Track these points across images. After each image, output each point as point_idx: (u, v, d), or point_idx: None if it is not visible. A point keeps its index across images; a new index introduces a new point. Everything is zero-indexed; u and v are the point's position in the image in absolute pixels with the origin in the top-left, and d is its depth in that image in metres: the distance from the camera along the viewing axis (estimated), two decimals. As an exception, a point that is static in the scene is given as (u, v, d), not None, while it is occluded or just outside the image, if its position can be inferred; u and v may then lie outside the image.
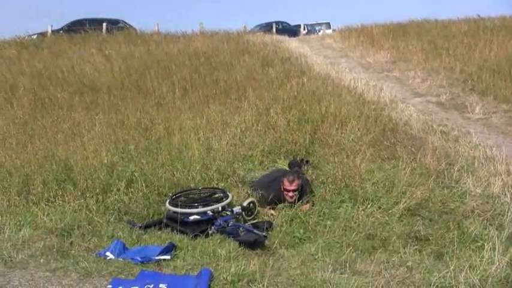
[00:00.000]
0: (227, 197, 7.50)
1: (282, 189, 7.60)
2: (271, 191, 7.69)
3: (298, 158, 8.89)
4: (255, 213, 7.41)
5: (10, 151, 9.64)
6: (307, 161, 8.77)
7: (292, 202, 7.56)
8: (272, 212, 7.41)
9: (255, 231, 6.50)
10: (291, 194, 7.52)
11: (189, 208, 7.16)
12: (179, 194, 7.67)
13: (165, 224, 7.03)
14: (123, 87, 14.33)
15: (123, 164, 8.65)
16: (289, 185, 7.51)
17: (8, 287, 5.43)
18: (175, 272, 5.69)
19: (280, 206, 7.54)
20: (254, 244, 6.24)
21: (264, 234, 6.42)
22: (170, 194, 7.76)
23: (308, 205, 7.44)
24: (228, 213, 7.17)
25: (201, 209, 7.14)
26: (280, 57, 18.16)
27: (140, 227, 7.03)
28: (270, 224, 6.97)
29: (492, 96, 13.02)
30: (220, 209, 7.19)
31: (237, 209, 7.18)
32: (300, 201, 7.50)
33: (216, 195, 7.69)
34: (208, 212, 7.09)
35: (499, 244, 5.77)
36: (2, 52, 21.67)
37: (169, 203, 7.36)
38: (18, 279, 5.62)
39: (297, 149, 9.20)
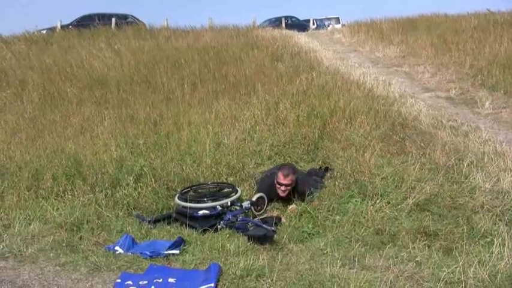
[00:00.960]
0: (236, 191, 7.51)
1: (276, 182, 7.56)
2: (266, 186, 7.67)
3: (317, 167, 8.63)
4: (264, 208, 7.41)
5: (20, 146, 9.69)
6: (326, 168, 8.50)
7: (283, 197, 7.56)
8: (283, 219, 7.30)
9: (264, 226, 6.50)
10: (283, 188, 7.46)
11: (198, 203, 7.18)
12: (188, 189, 7.69)
13: (174, 219, 7.05)
14: (132, 82, 14.37)
15: (133, 158, 8.69)
16: (283, 179, 7.44)
17: (17, 281, 5.47)
18: (184, 267, 5.71)
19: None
20: (263, 239, 6.24)
21: (272, 229, 6.42)
22: (179, 189, 7.78)
23: (294, 206, 7.33)
24: (237, 208, 7.16)
25: (210, 204, 7.15)
26: (290, 52, 18.15)
27: (149, 222, 7.05)
28: (279, 219, 6.97)
29: (502, 91, 12.95)
30: (229, 203, 7.20)
31: (246, 203, 7.17)
32: (309, 196, 7.47)
33: (225, 190, 7.71)
34: (218, 206, 7.10)
35: (508, 240, 5.75)
36: (12, 47, 21.74)
37: (178, 197, 7.38)
38: (28, 273, 5.66)
39: (306, 143, 9.19)
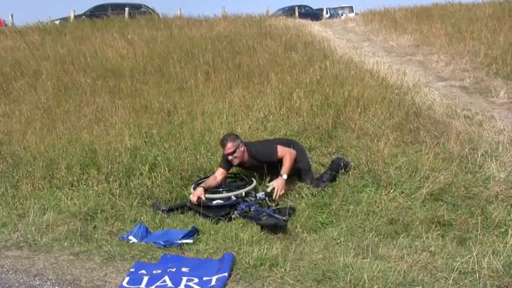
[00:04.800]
0: (251, 182, 7.51)
1: None
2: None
3: (343, 159, 8.13)
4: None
5: (34, 135, 9.74)
6: (347, 165, 8.00)
7: (243, 165, 7.72)
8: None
9: (276, 215, 6.51)
10: (229, 157, 7.50)
11: (212, 193, 7.19)
12: (203, 179, 7.68)
13: (188, 208, 7.07)
14: (145, 71, 14.37)
15: (146, 148, 8.72)
16: (224, 150, 7.52)
17: (32, 270, 5.52)
18: (197, 256, 5.74)
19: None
20: (274, 228, 6.25)
21: (284, 218, 6.42)
22: (195, 179, 7.80)
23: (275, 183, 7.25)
24: (252, 198, 7.16)
25: (224, 195, 7.16)
26: (303, 41, 18.07)
27: (163, 210, 7.08)
28: (293, 209, 6.95)
29: (517, 80, 12.86)
30: (243, 194, 7.20)
31: (260, 194, 7.16)
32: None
33: (240, 182, 7.70)
34: (232, 197, 7.11)
35: (523, 230, 5.74)
36: (26, 37, 21.79)
37: (193, 188, 7.39)
38: (43, 262, 5.71)
39: (319, 133, 9.16)
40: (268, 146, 7.72)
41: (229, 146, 7.43)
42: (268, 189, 7.24)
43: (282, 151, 7.44)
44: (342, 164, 7.86)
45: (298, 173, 7.73)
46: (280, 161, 7.45)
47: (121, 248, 5.95)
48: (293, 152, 7.48)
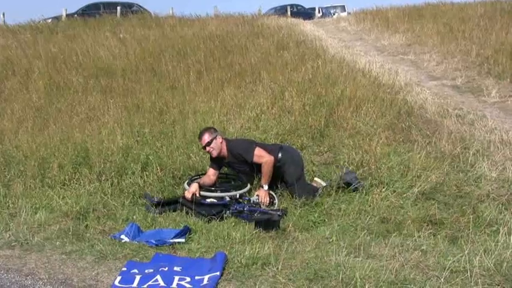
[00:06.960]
0: (245, 185, 7.49)
1: None
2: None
3: (355, 178, 7.52)
4: (272, 203, 7.33)
5: (26, 134, 9.71)
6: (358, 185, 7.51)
7: (215, 158, 7.51)
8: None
9: (269, 211, 6.54)
10: (207, 148, 7.40)
11: (207, 191, 7.19)
12: (197, 176, 7.66)
13: (181, 204, 7.05)
14: (137, 70, 14.35)
15: (138, 147, 8.71)
16: (202, 142, 7.46)
17: (24, 269, 5.49)
18: (189, 255, 5.72)
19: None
20: (267, 223, 6.25)
21: (278, 213, 6.44)
22: (190, 176, 7.79)
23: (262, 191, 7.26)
24: (245, 202, 7.14)
25: (219, 194, 7.15)
26: (295, 41, 18.07)
27: (156, 203, 7.10)
28: (285, 211, 6.93)
29: (508, 80, 12.88)
30: (238, 196, 7.19)
31: (254, 198, 7.14)
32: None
33: (235, 183, 7.69)
34: (226, 197, 7.10)
35: (514, 228, 5.76)
36: (18, 36, 21.74)
37: (187, 183, 7.38)
38: (34, 261, 5.68)
39: (312, 132, 9.16)
40: (246, 143, 7.62)
41: (206, 137, 7.35)
42: (254, 199, 7.18)
43: (259, 157, 7.28)
44: (349, 179, 7.50)
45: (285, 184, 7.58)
46: (256, 165, 7.38)
47: (113, 247, 5.93)
48: (270, 160, 7.26)
